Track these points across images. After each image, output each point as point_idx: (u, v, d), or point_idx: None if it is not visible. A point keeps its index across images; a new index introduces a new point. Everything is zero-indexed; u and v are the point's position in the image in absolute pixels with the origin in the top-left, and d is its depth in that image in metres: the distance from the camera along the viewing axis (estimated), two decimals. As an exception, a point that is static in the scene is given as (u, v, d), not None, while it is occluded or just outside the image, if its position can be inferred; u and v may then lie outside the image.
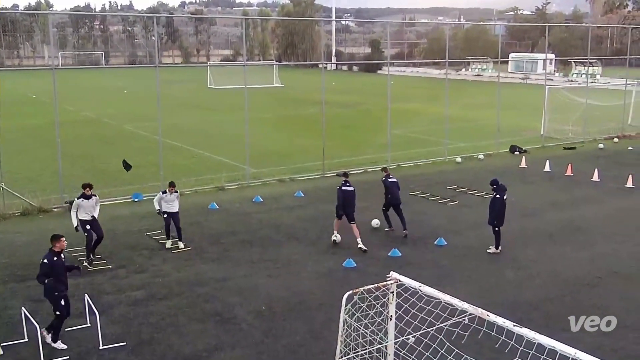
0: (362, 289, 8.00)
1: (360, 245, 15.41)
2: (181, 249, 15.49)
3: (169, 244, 15.67)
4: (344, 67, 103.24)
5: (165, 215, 15.54)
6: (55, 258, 10.51)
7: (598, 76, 66.09)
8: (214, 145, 30.06)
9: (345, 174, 16.78)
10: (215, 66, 70.67)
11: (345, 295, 7.98)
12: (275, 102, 50.55)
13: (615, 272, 14.01)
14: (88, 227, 14.33)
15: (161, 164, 21.01)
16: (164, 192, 15.61)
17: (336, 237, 15.97)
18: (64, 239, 10.77)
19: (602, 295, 12.79)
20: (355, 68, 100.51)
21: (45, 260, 10.46)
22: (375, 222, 17.33)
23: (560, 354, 6.06)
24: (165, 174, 20.75)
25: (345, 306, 8.00)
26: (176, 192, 15.73)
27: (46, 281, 10.40)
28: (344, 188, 15.93)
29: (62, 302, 10.53)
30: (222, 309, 12.11)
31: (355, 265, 14.31)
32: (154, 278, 13.69)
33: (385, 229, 17.11)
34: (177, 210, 15.65)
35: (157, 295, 12.76)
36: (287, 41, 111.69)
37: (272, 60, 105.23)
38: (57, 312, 10.54)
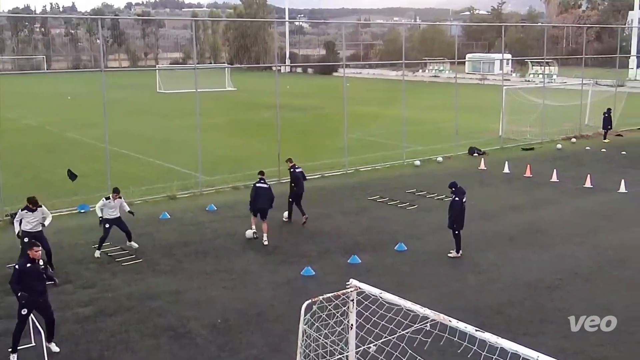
0: (321, 297, 8.01)
1: (265, 241, 16.40)
2: (135, 247, 15.85)
3: (97, 253, 15.61)
4: (299, 70, 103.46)
5: (107, 225, 15.55)
6: (28, 265, 10.49)
7: (555, 76, 67.71)
8: (165, 152, 29.73)
9: (261, 172, 17.49)
10: (165, 70, 69.86)
11: (304, 305, 7.97)
12: (227, 106, 50.30)
13: (575, 274, 14.35)
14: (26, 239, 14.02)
15: (108, 172, 20.66)
16: (107, 199, 15.65)
17: (253, 233, 16.82)
18: (36, 248, 10.77)
19: (563, 297, 13.08)
20: (310, 70, 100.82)
21: (16, 266, 10.56)
22: (285, 215, 18.52)
23: (522, 357, 6.17)
24: (113, 183, 20.35)
25: (304, 316, 7.99)
26: (120, 198, 15.84)
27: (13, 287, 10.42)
28: (257, 185, 16.88)
29: (22, 311, 10.53)
30: (176, 324, 11.97)
31: (313, 273, 14.32)
32: (103, 293, 13.45)
33: (285, 219, 18.44)
34: (119, 215, 15.78)
35: (107, 311, 12.53)
36: (239, 43, 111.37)
37: (224, 63, 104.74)
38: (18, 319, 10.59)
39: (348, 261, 15.15)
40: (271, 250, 16.16)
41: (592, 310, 12.36)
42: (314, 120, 42.84)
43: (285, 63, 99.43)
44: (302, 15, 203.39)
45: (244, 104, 52.56)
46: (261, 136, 33.26)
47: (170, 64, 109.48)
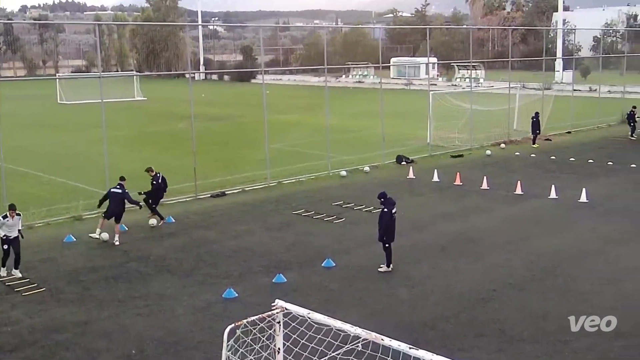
0: (245, 321, 7.93)
1: (116, 241, 17.96)
2: (18, 278, 15.38)
3: (4, 272, 15.59)
4: (214, 77, 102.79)
5: (6, 247, 15.54)
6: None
7: (481, 80, 69.91)
8: (68, 169, 28.86)
9: (121, 178, 18.76)
10: (66, 79, 67.96)
11: (227, 330, 7.87)
12: (137, 117, 49.40)
13: (509, 284, 14.78)
14: None
15: (4, 193, 19.88)
16: (5, 217, 15.52)
17: (101, 235, 18.26)
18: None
19: (498, 309, 13.45)
20: (226, 77, 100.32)
21: None
22: (152, 222, 19.69)
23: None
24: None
25: (227, 342, 7.89)
26: (18, 215, 15.84)
27: None
28: (112, 190, 18.50)
29: None
30: (85, 357, 11.60)
31: (236, 295, 14.20)
32: (2, 327, 12.90)
33: (155, 225, 19.68)
34: (17, 235, 15.76)
35: (6, 347, 12.03)
36: (148, 49, 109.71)
37: (132, 70, 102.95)
38: None
39: (273, 280, 15.09)
40: (189, 271, 15.92)
41: (528, 321, 12.77)
42: (232, 130, 42.63)
43: (199, 70, 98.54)
44: (216, 19, 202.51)
45: (155, 115, 51.76)
46: (175, 149, 32.83)
47: (72, 72, 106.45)
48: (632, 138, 36.05)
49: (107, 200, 18.58)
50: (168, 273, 15.88)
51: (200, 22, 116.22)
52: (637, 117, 36.59)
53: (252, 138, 34.98)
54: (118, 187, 18.47)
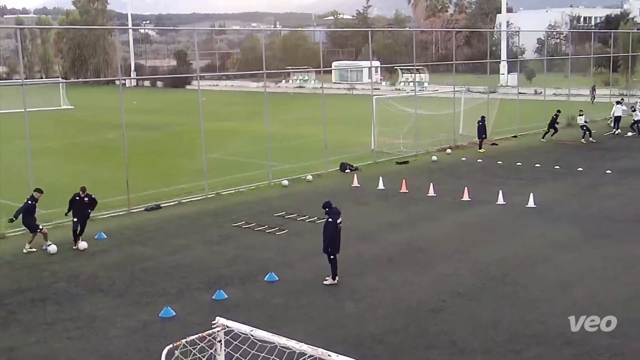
0: (183, 341, 7.83)
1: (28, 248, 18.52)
2: None
3: None
4: (146, 83, 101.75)
5: None
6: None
7: (426, 84, 71.04)
8: (-11, 184, 28.05)
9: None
10: (-15, 87, 66.22)
11: (165, 351, 7.76)
12: (64, 127, 48.40)
13: (458, 294, 15.00)
14: None
15: None
16: None
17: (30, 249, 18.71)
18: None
19: (448, 320, 13.62)
20: (159, 84, 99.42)
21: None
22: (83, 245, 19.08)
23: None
24: None
25: (166, 364, 7.78)
26: None
27: None
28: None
29: None
30: (11, 386, 11.26)
31: (174, 314, 14.01)
32: None
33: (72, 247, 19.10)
34: None
35: None
36: (75, 54, 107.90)
37: (58, 77, 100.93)
38: None
39: (213, 297, 14.95)
40: (123, 290, 15.65)
41: (478, 331, 12.97)
42: (167, 139, 42.20)
43: (130, 76, 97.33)
44: (147, 22, 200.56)
45: (83, 124, 50.83)
46: (106, 160, 32.32)
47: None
48: (543, 140, 37.12)
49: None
50: (100, 293, 15.58)
51: (130, 26, 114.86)
52: (557, 122, 37.76)
53: (188, 147, 34.65)
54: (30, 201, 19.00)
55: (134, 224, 21.58)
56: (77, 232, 19.22)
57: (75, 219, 19.18)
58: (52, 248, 18.68)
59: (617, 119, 40.07)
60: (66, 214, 19.77)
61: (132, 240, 19.70)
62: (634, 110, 40.91)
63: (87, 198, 19.38)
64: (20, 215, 18.82)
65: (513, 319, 13.54)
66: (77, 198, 19.28)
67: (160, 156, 35.12)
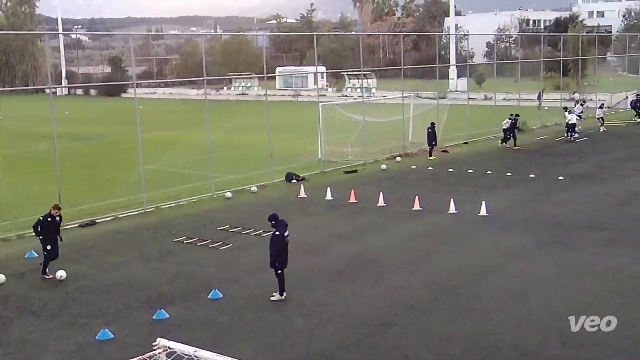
0: (123, 364, 7.73)
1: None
2: None
3: None
4: (79, 91, 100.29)
5: None
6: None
7: (373, 90, 71.68)
8: None
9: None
10: None
11: (102, 376, 7.65)
12: (-10, 139, 47.30)
13: (411, 306, 15.12)
14: None
15: None
16: None
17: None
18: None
19: (401, 334, 13.72)
20: (92, 92, 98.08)
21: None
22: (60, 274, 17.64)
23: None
24: None
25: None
26: None
27: None
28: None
29: None
30: None
31: (112, 336, 13.80)
32: None
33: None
34: None
35: None
36: (1, 61, 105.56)
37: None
38: None
39: (153, 317, 14.78)
40: (56, 312, 15.34)
41: (432, 345, 13.10)
42: (102, 150, 41.63)
43: (61, 84, 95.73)
44: (79, 27, 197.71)
45: (10, 135, 49.60)
46: (36, 173, 31.74)
47: None
48: (515, 147, 37.87)
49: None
50: (32, 315, 15.24)
51: (60, 31, 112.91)
52: (517, 127, 38.52)
53: (125, 159, 34.21)
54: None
55: (67, 241, 21.10)
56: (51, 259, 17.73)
57: (49, 247, 17.57)
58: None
59: (572, 127, 40.73)
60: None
61: (65, 258, 19.28)
62: (570, 112, 41.73)
63: (59, 217, 17.97)
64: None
65: (467, 331, 13.72)
66: (50, 220, 17.60)
67: (94, 168, 34.60)
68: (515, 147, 37.47)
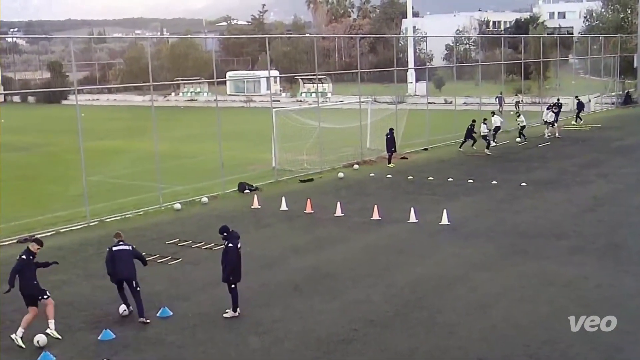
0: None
1: (52, 331, 14.65)
2: None
3: None
4: (16, 99, 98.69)
5: None
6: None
7: (329, 94, 71.98)
8: None
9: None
10: None
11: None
12: None
13: (371, 321, 15.16)
14: None
15: None
16: None
17: (19, 338, 14.48)
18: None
19: (361, 350, 13.75)
20: (31, 99, 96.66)
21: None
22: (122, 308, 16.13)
23: None
24: None
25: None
26: None
27: None
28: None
29: None
30: None
31: (54, 359, 13.56)
32: None
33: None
34: None
35: None
36: None
37: None
38: None
39: (99, 338, 14.57)
40: (-7, 335, 15.02)
41: (393, 361, 13.14)
42: (41, 161, 41.00)
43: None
44: (15, 30, 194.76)
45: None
46: (-30, 187, 31.09)
47: None
48: (461, 150, 38.48)
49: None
50: (-34, 339, 14.91)
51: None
52: (475, 132, 39.02)
53: (66, 170, 33.73)
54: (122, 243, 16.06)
55: (4, 258, 20.75)
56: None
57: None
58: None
59: (497, 130, 41.24)
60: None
61: (1, 278, 18.93)
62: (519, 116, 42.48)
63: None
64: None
65: (430, 346, 13.81)
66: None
67: (33, 181, 34.04)
68: (468, 153, 38.15)
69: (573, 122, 50.36)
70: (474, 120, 39.21)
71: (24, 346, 14.32)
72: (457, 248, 20.47)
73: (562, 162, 35.20)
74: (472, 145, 38.75)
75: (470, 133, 38.72)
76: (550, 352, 13.32)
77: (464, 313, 15.48)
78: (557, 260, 19.09)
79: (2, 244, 22.32)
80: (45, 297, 14.99)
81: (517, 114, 43.38)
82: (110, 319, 15.66)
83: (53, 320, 14.83)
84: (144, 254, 20.46)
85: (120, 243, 16.27)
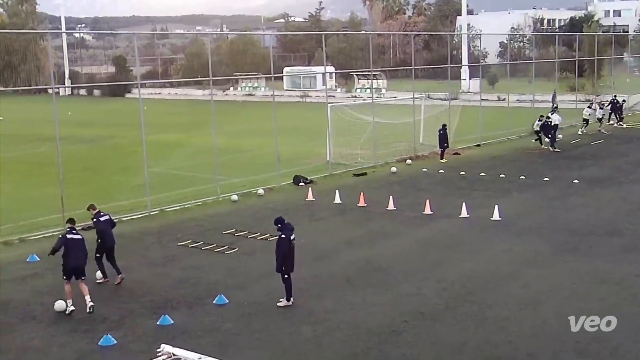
0: (126, 373, 7.73)
1: (90, 306, 15.54)
2: None
3: None
4: (82, 92, 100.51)
5: None
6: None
7: (383, 90, 71.60)
8: None
9: (71, 220, 16.73)
10: None
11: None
12: (-9, 140, 47.50)
13: (421, 314, 15.08)
14: None
15: None
16: None
17: (70, 307, 15.56)
18: None
19: (411, 342, 13.69)
20: (96, 92, 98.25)
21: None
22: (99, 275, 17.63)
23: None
24: None
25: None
26: None
27: None
28: (69, 236, 16.04)
29: None
30: None
31: (115, 342, 13.81)
32: None
33: (98, 281, 17.45)
34: None
35: None
36: (3, 61, 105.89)
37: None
38: None
39: (157, 323, 14.79)
40: (58, 317, 15.37)
41: (442, 354, 13.06)
42: (105, 153, 41.71)
43: (64, 84, 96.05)
44: (83, 25, 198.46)
45: (11, 137, 49.81)
46: (37, 177, 31.80)
47: None
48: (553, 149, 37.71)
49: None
50: (33, 321, 15.28)
51: (64, 30, 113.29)
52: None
53: (129, 161, 34.27)
54: (74, 231, 16.23)
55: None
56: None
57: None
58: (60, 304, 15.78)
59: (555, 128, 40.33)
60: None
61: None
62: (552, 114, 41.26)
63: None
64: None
65: (479, 340, 13.67)
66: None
67: (97, 172, 34.65)
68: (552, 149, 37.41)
69: (613, 124, 48.45)
70: (542, 116, 38.48)
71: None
72: (508, 244, 20.21)
73: (615, 159, 34.48)
74: (538, 140, 38.02)
75: (546, 128, 37.89)
76: (600, 349, 13.08)
77: (514, 309, 15.28)
78: (610, 258, 18.71)
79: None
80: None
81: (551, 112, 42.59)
82: (168, 305, 15.87)
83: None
84: (201, 242, 20.82)
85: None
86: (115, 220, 18.78)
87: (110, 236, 17.75)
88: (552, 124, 38.46)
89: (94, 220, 17.94)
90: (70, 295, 15.60)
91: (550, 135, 37.77)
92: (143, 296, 16.62)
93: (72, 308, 15.58)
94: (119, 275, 17.49)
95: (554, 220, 22.86)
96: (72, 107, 67.43)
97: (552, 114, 39.48)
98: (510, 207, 24.36)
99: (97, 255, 17.50)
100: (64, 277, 15.75)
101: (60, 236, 16.50)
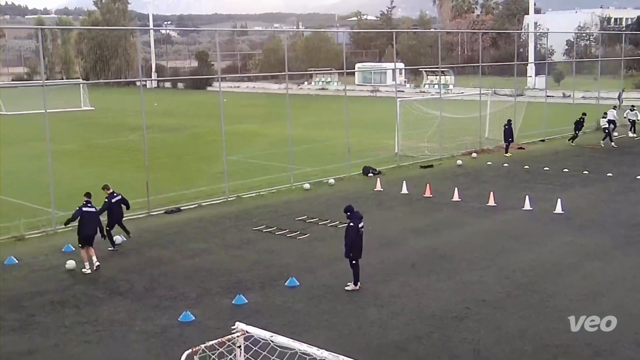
0: (203, 346, 7.86)
1: (93, 266, 17.19)
2: None
3: None
4: (167, 85, 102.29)
5: None
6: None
7: (451, 86, 70.77)
8: (9, 186, 28.31)
9: (88, 194, 18.11)
10: (6, 87, 67.01)
11: (183, 356, 7.80)
12: (84, 129, 48.81)
13: (483, 301, 14.90)
14: None
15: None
16: None
17: (87, 270, 17.20)
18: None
19: (473, 328, 13.54)
20: (180, 85, 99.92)
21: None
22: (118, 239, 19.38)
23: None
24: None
25: (184, 369, 7.81)
26: None
27: None
28: (84, 209, 17.58)
29: None
30: (29, 390, 11.36)
31: (193, 318, 14.07)
32: None
33: (110, 249, 18.93)
34: None
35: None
36: (96, 55, 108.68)
37: (79, 78, 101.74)
38: None
39: (233, 302, 15.00)
40: (142, 294, 15.74)
41: (503, 340, 12.88)
42: (188, 142, 42.40)
43: (151, 77, 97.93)
44: (169, 23, 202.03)
45: (103, 126, 51.24)
46: (125, 163, 32.52)
47: (13, 80, 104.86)
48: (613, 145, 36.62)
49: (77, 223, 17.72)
50: (119, 296, 15.68)
51: (151, 26, 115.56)
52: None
53: (209, 150, 34.79)
54: (89, 204, 17.79)
55: (153, 226, 21.69)
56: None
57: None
58: (71, 263, 17.70)
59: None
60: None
61: (151, 244, 19.79)
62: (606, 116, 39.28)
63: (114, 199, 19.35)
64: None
65: (540, 328, 13.43)
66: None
67: (180, 159, 35.29)
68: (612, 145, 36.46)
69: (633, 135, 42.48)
70: (584, 114, 37.65)
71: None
72: (570, 237, 19.76)
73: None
74: (572, 139, 37.22)
75: (579, 126, 37.16)
76: (660, 341, 12.70)
77: (575, 299, 14.95)
78: (671, 252, 18.13)
79: (151, 213, 23.29)
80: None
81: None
82: (243, 285, 16.06)
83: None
84: (274, 227, 20.98)
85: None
86: (193, 205, 19.33)
87: (118, 213, 19.29)
88: (607, 120, 37.42)
89: (107, 199, 19.12)
90: (86, 259, 17.22)
91: (606, 131, 36.87)
92: (220, 276, 16.87)
93: (89, 271, 17.11)
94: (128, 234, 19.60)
95: (616, 215, 22.24)
96: (158, 98, 68.74)
97: (610, 111, 38.38)
98: (572, 200, 23.80)
99: (107, 228, 18.91)
100: (79, 245, 17.45)
101: (77, 208, 17.72)
